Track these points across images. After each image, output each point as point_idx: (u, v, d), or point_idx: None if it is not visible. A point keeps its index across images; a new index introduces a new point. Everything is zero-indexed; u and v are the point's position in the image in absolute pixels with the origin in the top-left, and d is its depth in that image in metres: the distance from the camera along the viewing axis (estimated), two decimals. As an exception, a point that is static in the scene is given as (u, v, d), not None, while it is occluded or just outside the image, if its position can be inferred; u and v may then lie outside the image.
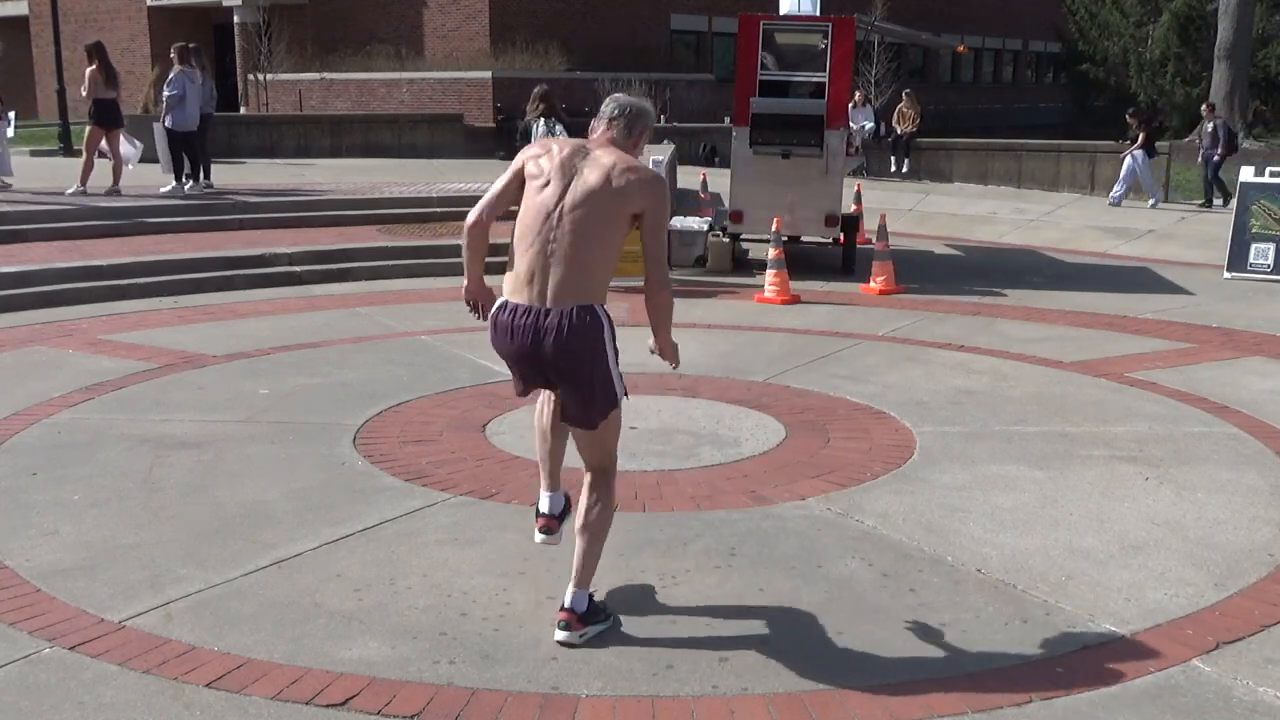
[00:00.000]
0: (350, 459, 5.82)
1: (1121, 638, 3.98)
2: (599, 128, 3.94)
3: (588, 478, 3.99)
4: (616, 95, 4.03)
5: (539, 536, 4.15)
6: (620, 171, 3.75)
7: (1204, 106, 17.02)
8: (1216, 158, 16.43)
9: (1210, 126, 16.86)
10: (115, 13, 33.92)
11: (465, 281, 4.01)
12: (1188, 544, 4.82)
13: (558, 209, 3.73)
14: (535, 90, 11.50)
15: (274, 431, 6.26)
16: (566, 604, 3.91)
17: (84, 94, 13.67)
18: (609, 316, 3.81)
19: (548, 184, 3.77)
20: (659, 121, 26.31)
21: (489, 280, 3.99)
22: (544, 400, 4.16)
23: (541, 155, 3.85)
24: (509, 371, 4.02)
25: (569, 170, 3.77)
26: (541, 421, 4.18)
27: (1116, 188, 16.54)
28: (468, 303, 4.06)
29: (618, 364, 3.86)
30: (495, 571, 4.42)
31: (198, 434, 6.18)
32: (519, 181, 3.86)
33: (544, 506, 4.14)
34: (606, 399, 3.84)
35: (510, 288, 3.81)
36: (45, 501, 5.18)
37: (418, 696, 3.55)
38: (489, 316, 3.90)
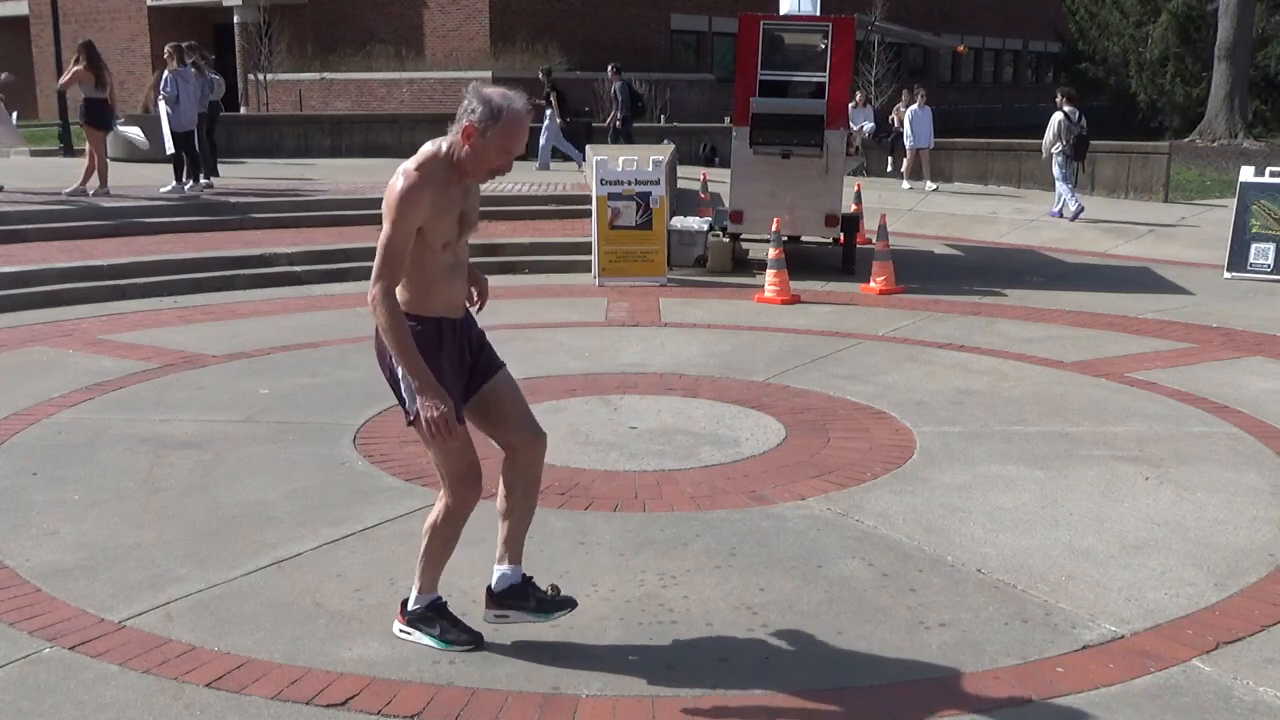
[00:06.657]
0: (350, 459, 5.82)
1: (1121, 638, 3.98)
2: None
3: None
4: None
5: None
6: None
7: (610, 68, 20.16)
8: (619, 123, 19.85)
9: (613, 89, 19.77)
10: (115, 13, 33.97)
11: None
12: (1188, 544, 4.82)
13: None
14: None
15: (274, 431, 6.26)
16: (404, 597, 3.92)
17: (60, 84, 13.65)
18: (407, 323, 3.47)
19: None
20: (659, 121, 26.32)
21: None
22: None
23: None
24: None
25: None
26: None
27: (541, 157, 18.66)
28: None
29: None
30: (495, 571, 4.42)
31: (198, 434, 6.18)
32: None
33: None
34: (404, 404, 3.65)
35: None
36: (45, 501, 5.18)
37: (418, 696, 3.55)
38: None
